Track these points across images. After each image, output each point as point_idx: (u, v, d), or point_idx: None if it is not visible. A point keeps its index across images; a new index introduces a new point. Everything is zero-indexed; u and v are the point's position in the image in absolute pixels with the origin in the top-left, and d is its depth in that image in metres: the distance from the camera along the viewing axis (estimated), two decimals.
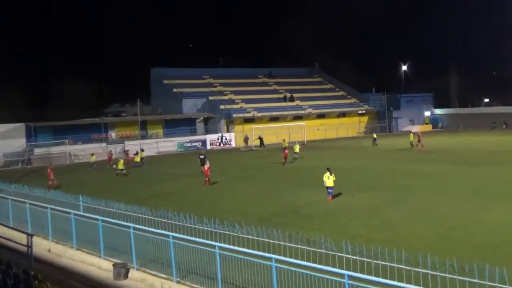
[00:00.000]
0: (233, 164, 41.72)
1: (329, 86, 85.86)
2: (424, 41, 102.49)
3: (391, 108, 78.33)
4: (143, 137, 58.43)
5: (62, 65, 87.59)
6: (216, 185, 29.56)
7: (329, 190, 22.84)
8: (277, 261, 10.04)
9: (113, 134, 60.38)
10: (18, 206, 19.22)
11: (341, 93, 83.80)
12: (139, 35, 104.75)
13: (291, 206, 21.87)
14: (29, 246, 15.07)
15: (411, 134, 48.06)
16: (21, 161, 51.05)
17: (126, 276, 13.30)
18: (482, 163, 33.49)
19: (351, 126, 76.49)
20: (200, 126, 66.40)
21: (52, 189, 22.95)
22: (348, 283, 8.79)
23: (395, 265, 9.34)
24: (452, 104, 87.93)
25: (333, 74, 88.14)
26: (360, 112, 78.53)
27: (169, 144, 58.91)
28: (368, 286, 8.67)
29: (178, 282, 12.22)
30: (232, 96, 72.37)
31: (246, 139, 60.10)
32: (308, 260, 10.11)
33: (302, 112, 73.26)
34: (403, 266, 9.18)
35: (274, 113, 69.83)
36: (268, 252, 10.58)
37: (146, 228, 13.56)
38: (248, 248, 11.20)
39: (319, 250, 10.56)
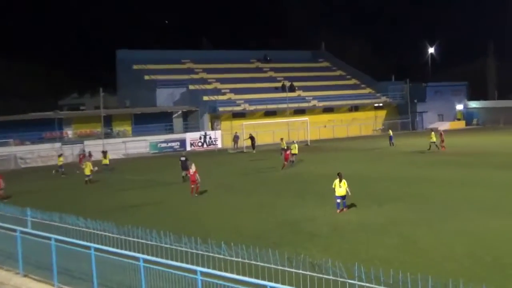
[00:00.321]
0: (220, 170, 41.72)
1: (338, 73, 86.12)
2: (456, 18, 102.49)
3: (415, 101, 78.58)
4: (107, 135, 58.23)
5: None
6: (200, 195, 29.60)
7: (338, 201, 22.92)
8: None
9: (69, 132, 60.10)
10: None
11: (353, 81, 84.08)
12: (101, 7, 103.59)
13: (291, 222, 21.88)
14: None
15: (432, 133, 48.33)
16: None
17: None
18: None
19: (366, 123, 76.66)
20: (178, 122, 66.27)
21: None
22: None
23: None
24: (491, 95, 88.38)
25: (343, 58, 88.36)
26: (376, 105, 78.81)
27: (139, 145, 58.77)
28: None
29: None
30: (218, 85, 72.33)
31: (235, 139, 60.11)
32: None
33: (305, 105, 73.41)
34: None
35: (270, 106, 69.85)
36: (263, 279, 10.58)
37: (111, 249, 13.54)
38: (238, 273, 11.20)
39: (325, 276, 10.58)
